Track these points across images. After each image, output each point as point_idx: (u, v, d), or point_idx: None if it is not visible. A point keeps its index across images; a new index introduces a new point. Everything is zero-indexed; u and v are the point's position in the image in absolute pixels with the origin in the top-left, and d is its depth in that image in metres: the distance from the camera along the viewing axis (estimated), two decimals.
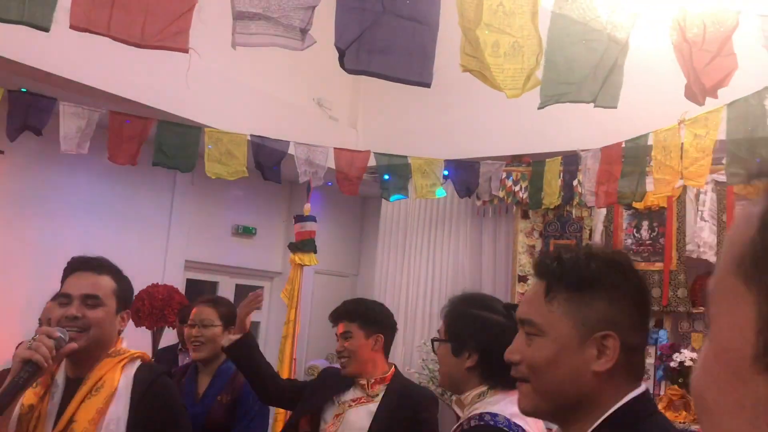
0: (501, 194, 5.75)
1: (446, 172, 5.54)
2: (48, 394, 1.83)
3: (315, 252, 5.26)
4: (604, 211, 5.48)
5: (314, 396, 2.74)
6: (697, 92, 2.45)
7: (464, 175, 5.55)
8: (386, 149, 5.61)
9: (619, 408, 1.10)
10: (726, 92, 2.89)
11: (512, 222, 6.13)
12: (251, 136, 5.05)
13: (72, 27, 1.96)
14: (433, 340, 2.01)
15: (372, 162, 5.51)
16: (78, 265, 1.92)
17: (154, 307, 5.00)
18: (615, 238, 5.53)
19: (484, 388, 1.86)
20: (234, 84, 5.59)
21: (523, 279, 5.93)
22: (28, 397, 1.81)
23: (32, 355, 1.63)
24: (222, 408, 2.86)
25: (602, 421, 1.09)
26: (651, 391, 5.11)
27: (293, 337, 5.08)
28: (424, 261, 6.66)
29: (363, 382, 2.67)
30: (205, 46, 2.61)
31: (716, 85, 2.45)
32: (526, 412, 1.21)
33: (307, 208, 5.33)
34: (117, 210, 6.27)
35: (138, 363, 1.90)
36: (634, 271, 1.19)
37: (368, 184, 5.98)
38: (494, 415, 1.77)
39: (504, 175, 5.70)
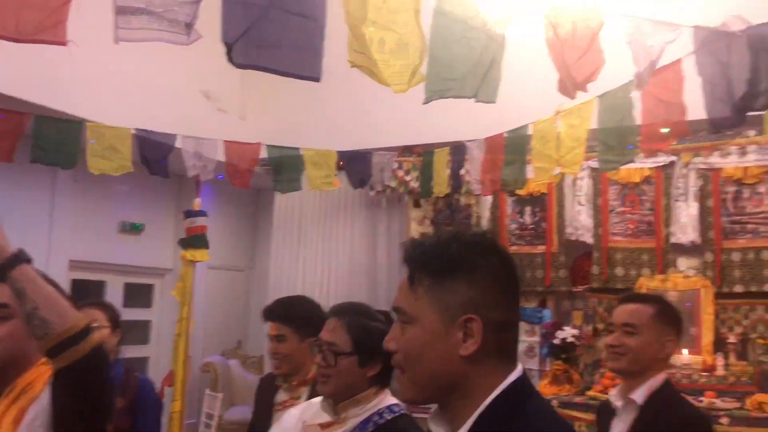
0: (393, 184, 5.88)
1: (339, 164, 5.59)
2: None
3: (206, 247, 5.18)
4: (490, 198, 5.72)
5: (260, 409, 2.72)
6: (569, 86, 2.63)
7: (357, 166, 5.63)
8: (277, 141, 5.58)
9: (500, 393, 1.11)
10: (596, 85, 3.10)
11: (405, 211, 6.28)
12: (136, 129, 4.90)
13: None
14: (337, 353, 1.94)
15: (263, 154, 5.48)
16: None
17: None
18: (501, 223, 5.78)
19: (376, 388, 1.98)
20: (117, 76, 5.39)
21: None
22: None
23: None
24: (122, 414, 2.79)
25: (486, 408, 1.10)
26: (538, 368, 5.41)
27: (187, 334, 4.99)
28: (320, 252, 6.70)
29: (286, 385, 2.67)
30: (86, 38, 2.53)
31: (586, 79, 2.63)
32: (406, 400, 1.22)
33: (197, 203, 5.23)
34: None
35: None
36: (496, 251, 1.19)
37: (261, 177, 5.94)
38: (397, 404, 1.95)
39: (396, 165, 5.83)
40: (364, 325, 2.00)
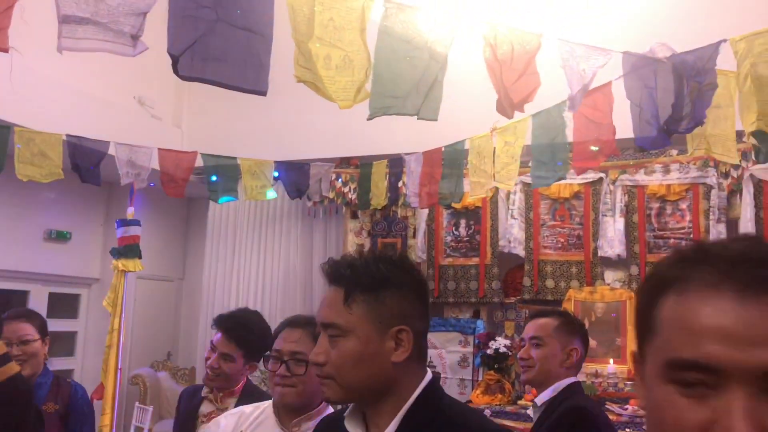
0: (331, 195, 5.90)
1: (276, 174, 5.57)
2: None
3: (140, 257, 5.06)
4: (426, 210, 5.81)
5: (183, 421, 2.66)
6: (506, 106, 2.72)
7: (294, 176, 5.62)
8: (213, 150, 5.52)
9: (423, 390, 1.27)
10: (530, 104, 3.22)
11: (342, 222, 6.30)
12: (67, 136, 4.76)
13: None
14: (305, 361, 1.96)
15: (199, 162, 5.40)
16: None
17: None
18: (437, 235, 5.88)
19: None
20: (48, 82, 5.23)
21: None
22: None
23: None
24: (53, 419, 2.71)
25: (413, 403, 1.25)
26: (471, 377, 5.52)
27: (118, 346, 4.86)
28: (255, 262, 6.64)
29: (212, 396, 2.63)
30: (17, 43, 2.46)
31: (523, 100, 2.73)
32: (334, 401, 1.35)
33: (131, 213, 5.11)
34: None
35: None
36: (415, 269, 1.36)
37: (194, 186, 5.85)
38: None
39: (334, 176, 5.85)
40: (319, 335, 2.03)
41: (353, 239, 6.19)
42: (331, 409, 2.02)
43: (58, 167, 4.62)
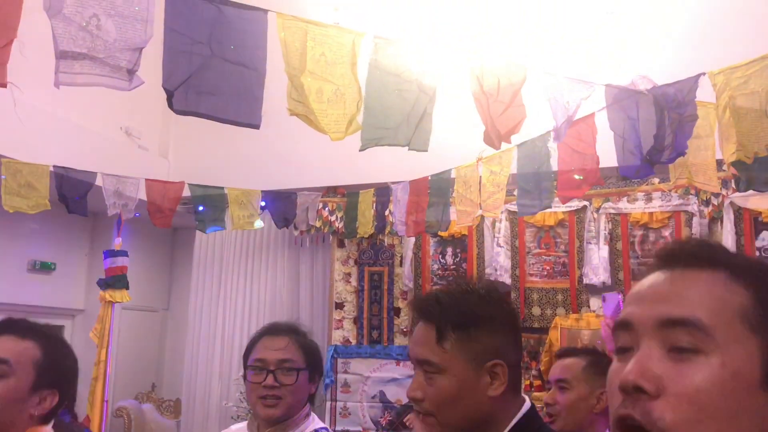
0: (318, 224, 5.92)
1: (263, 203, 5.60)
2: None
3: (127, 288, 5.04)
4: (413, 239, 5.84)
5: None
6: (494, 138, 2.78)
7: (281, 205, 5.65)
8: (199, 180, 5.54)
9: (519, 420, 1.27)
10: (516, 134, 3.29)
11: (329, 251, 6.31)
12: (54, 166, 4.76)
13: None
14: (295, 369, 1.90)
15: (186, 192, 5.42)
16: (3, 328, 1.60)
17: None
18: (423, 263, 5.91)
19: (308, 409, 1.98)
20: (35, 112, 5.24)
21: (339, 306, 6.12)
22: None
23: None
24: None
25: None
26: None
27: (104, 378, 4.81)
28: (241, 292, 6.62)
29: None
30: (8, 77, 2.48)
31: (509, 132, 2.79)
32: None
33: (118, 244, 5.10)
34: None
35: None
36: (504, 301, 1.36)
37: (180, 216, 5.85)
38: (326, 428, 1.99)
39: (320, 205, 5.89)
40: (310, 341, 2.02)
41: (340, 268, 6.21)
42: (318, 421, 1.99)
43: (45, 198, 4.62)
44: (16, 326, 1.60)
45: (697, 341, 0.69)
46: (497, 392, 1.25)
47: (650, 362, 0.70)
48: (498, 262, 5.65)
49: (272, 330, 2.01)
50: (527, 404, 1.31)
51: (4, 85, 1.85)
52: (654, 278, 0.76)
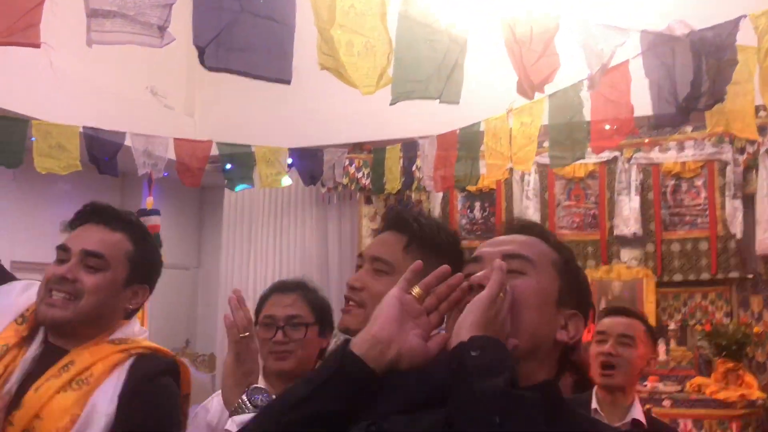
0: (345, 181, 5.91)
1: (290, 161, 5.59)
2: (24, 348, 1.47)
3: (160, 246, 5.10)
4: (441, 194, 5.82)
5: None
6: (527, 88, 2.73)
7: (308, 163, 5.64)
8: (225, 138, 5.54)
9: None
10: (548, 84, 3.23)
11: (356, 208, 6.32)
12: (83, 127, 4.79)
13: None
14: (303, 324, 1.93)
15: (214, 151, 5.43)
16: (89, 215, 1.56)
17: None
18: (451, 219, 5.90)
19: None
20: (63, 74, 5.24)
21: None
22: (7, 335, 1.49)
23: None
24: None
25: None
26: None
27: None
28: (271, 249, 6.68)
29: None
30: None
31: (543, 81, 2.74)
32: (351, 330, 1.38)
33: (150, 202, 5.15)
34: None
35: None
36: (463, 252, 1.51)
37: (208, 174, 5.88)
38: None
39: (347, 162, 5.87)
40: (319, 297, 2.05)
41: (368, 224, 6.22)
42: None
43: (76, 159, 4.66)
44: (104, 215, 1.56)
45: (524, 267, 1.10)
46: None
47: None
48: (527, 216, 5.61)
49: (280, 287, 2.06)
50: None
51: (37, 45, 1.85)
52: (499, 237, 1.19)
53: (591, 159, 5.34)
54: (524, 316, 1.04)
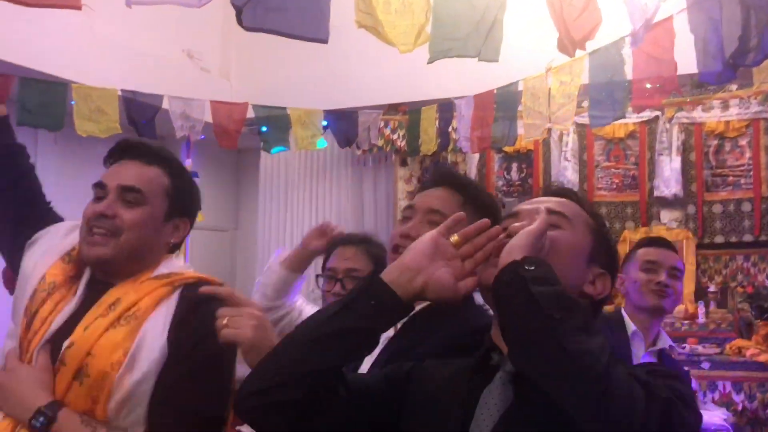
0: (380, 143, 5.89)
1: (326, 123, 5.59)
2: (72, 287, 1.49)
3: (199, 208, 5.18)
4: (477, 155, 5.77)
5: None
6: (568, 44, 2.67)
7: (343, 125, 5.63)
8: (261, 100, 5.55)
9: None
10: (589, 42, 3.15)
11: (391, 170, 6.31)
12: (122, 91, 4.84)
13: None
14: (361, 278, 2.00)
15: (250, 114, 5.45)
16: (123, 151, 1.54)
17: None
18: (488, 180, 5.86)
19: None
20: (99, 38, 5.29)
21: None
22: (55, 272, 1.51)
23: None
24: None
25: None
26: None
27: None
28: (307, 212, 6.74)
29: None
30: None
31: (584, 37, 2.67)
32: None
33: (188, 164, 5.21)
34: None
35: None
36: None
37: (245, 137, 5.91)
38: None
39: (382, 123, 5.84)
40: (379, 251, 2.10)
41: (403, 186, 6.21)
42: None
43: (116, 122, 4.72)
44: (138, 151, 1.56)
45: (561, 222, 1.16)
46: None
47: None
48: (565, 177, 5.54)
49: (344, 240, 2.16)
50: None
51: (78, 8, 1.86)
52: (536, 198, 1.25)
53: (631, 119, 5.23)
54: (557, 264, 1.07)
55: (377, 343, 1.11)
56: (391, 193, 6.34)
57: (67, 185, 6.55)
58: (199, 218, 5.24)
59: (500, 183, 5.85)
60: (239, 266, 8.35)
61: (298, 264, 2.32)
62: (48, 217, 1.75)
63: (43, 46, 4.98)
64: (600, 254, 1.19)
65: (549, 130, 5.02)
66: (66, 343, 1.41)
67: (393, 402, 1.16)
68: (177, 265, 1.60)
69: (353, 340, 1.08)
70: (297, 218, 6.78)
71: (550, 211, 1.15)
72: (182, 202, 1.59)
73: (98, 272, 1.52)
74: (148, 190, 1.50)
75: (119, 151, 1.56)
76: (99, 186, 1.52)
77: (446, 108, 5.20)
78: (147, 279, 1.51)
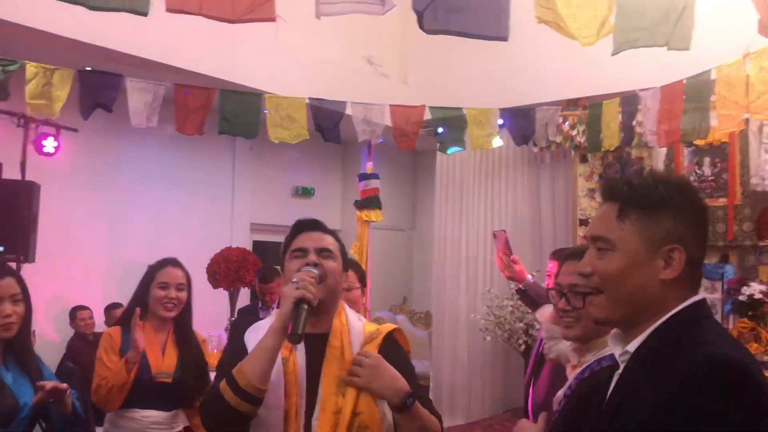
0: (558, 140, 5.75)
1: (501, 121, 5.56)
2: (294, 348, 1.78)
3: (380, 208, 5.39)
4: (664, 150, 5.46)
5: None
6: None
7: (520, 122, 5.56)
8: (437, 102, 5.63)
9: (678, 311, 1.23)
10: None
11: (570, 167, 6.14)
12: (309, 99, 5.14)
13: (168, 10, 2.08)
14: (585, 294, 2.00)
15: (426, 116, 5.56)
16: (305, 226, 1.89)
17: (229, 269, 5.23)
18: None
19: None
20: (287, 49, 5.68)
21: (584, 223, 5.97)
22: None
23: (303, 293, 1.63)
24: None
25: (662, 322, 1.23)
26: None
27: (365, 290, 5.24)
28: (482, 211, 6.74)
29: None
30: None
31: None
32: (599, 321, 1.34)
33: (370, 166, 5.44)
34: (183, 178, 6.51)
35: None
36: (696, 194, 1.33)
37: (421, 139, 6.04)
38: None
39: (561, 120, 5.69)
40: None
41: (583, 183, 6.02)
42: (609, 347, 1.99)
43: (304, 128, 5.03)
44: (316, 225, 1.89)
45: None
46: (668, 276, 1.24)
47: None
48: (766, 171, 5.08)
49: (574, 254, 2.13)
50: (698, 296, 1.27)
51: (273, 19, 2.02)
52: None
53: None
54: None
55: None
56: (571, 191, 6.17)
57: (262, 188, 7.12)
58: (379, 218, 5.45)
59: (691, 178, 5.47)
60: (415, 264, 8.56)
61: None
62: None
63: (239, 60, 5.44)
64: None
65: (747, 120, 4.63)
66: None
67: None
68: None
69: None
70: (472, 218, 6.81)
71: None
72: (345, 260, 1.90)
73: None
74: (335, 248, 1.84)
75: (301, 226, 1.89)
76: (299, 251, 1.82)
77: (630, 101, 4.97)
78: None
